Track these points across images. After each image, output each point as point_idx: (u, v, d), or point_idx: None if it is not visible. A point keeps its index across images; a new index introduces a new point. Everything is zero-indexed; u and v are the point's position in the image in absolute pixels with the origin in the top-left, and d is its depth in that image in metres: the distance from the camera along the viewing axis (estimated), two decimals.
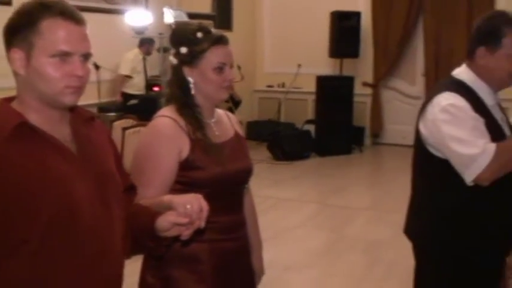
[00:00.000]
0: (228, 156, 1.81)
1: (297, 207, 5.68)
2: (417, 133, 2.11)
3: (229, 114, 2.01)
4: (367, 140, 8.83)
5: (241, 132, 2.00)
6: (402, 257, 4.18)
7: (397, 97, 8.77)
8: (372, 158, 8.41)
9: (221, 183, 1.77)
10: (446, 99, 1.98)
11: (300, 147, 7.92)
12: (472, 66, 2.04)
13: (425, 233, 2.15)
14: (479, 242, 2.04)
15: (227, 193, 1.81)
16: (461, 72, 2.07)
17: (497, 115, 2.07)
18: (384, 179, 6.92)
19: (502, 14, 2.03)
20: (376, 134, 8.85)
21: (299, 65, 8.99)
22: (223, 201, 1.77)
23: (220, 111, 1.95)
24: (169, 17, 6.09)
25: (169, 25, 6.06)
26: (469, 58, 2.06)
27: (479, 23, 2.05)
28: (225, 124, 1.92)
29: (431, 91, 2.15)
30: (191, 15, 6.41)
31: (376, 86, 8.65)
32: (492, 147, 1.89)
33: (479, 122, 1.95)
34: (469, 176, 1.92)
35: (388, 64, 8.50)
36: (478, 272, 2.07)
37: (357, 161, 7.95)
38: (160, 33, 6.51)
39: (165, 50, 6.47)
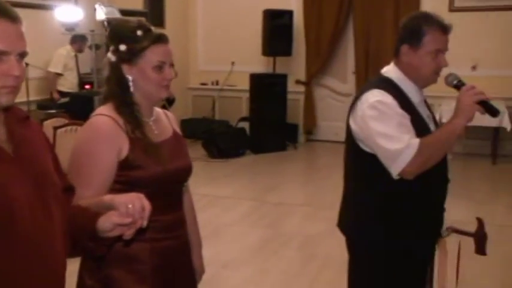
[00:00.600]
0: (168, 155, 1.80)
1: (233, 204, 5.71)
2: (348, 129, 2.18)
3: (168, 112, 2.00)
4: (301, 137, 8.99)
5: (179, 130, 2.00)
6: (336, 251, 4.29)
7: (329, 94, 8.98)
8: (306, 154, 8.57)
9: (161, 182, 1.76)
10: (375, 96, 2.05)
11: (235, 144, 7.96)
12: (399, 65, 2.13)
13: (357, 226, 2.23)
14: (409, 234, 2.13)
15: (167, 192, 1.81)
16: (389, 71, 2.16)
17: (423, 112, 2.16)
18: (318, 175, 7.08)
19: (424, 14, 2.13)
20: (310, 131, 9.02)
21: (233, 63, 9.02)
22: (163, 200, 1.76)
23: (158, 110, 1.94)
24: (101, 13, 5.96)
25: (102, 22, 5.94)
26: (396, 56, 2.15)
27: (403, 22, 2.15)
28: (163, 123, 1.92)
29: (361, 88, 2.23)
30: (123, 12, 6.30)
31: (308, 83, 8.81)
32: (416, 142, 1.97)
33: (405, 118, 2.03)
34: (395, 170, 2.00)
35: (320, 62, 8.68)
36: (409, 263, 2.16)
37: (291, 158, 8.08)
38: (91, 30, 6.37)
39: (97, 48, 6.34)
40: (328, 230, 4.82)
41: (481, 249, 2.30)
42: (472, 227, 2.35)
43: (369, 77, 7.71)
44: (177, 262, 1.87)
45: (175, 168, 1.82)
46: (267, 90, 8.21)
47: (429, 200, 2.14)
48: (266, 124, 8.14)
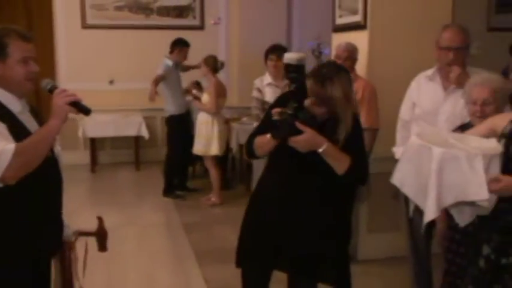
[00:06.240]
0: None
1: None
2: None
3: None
4: None
5: None
6: None
7: None
8: None
9: None
10: None
11: None
12: None
13: None
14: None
15: None
16: None
17: (27, 120, 2.15)
18: None
19: (3, 28, 2.13)
20: None
21: None
22: None
23: None
24: None
25: None
26: None
27: None
28: None
29: None
30: None
31: None
32: (11, 147, 1.95)
33: (1, 127, 2.00)
34: None
35: None
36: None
37: None
38: None
39: None
40: None
41: (102, 246, 2.50)
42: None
43: None
44: None
45: None
46: None
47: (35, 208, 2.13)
48: None
